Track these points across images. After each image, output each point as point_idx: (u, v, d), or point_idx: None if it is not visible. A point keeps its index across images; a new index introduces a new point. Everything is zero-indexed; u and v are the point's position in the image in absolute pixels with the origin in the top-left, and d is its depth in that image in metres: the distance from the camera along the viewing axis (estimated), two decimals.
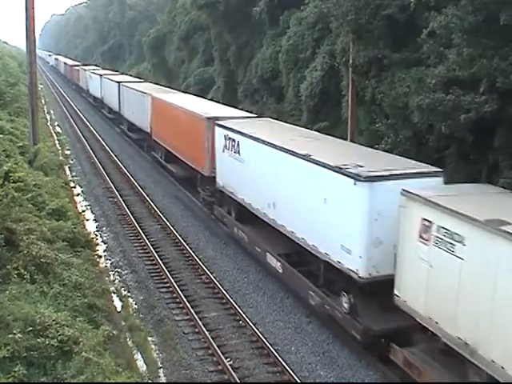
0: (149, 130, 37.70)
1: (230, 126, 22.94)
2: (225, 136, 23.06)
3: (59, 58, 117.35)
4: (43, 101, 63.71)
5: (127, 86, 45.48)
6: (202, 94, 45.16)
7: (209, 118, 25.73)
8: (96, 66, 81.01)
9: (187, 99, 35.70)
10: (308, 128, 27.19)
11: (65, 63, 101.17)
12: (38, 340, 11.77)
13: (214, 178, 24.50)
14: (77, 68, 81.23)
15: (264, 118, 27.33)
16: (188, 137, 28.58)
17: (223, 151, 23.32)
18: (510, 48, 17.41)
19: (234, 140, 22.22)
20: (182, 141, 29.93)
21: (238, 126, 22.77)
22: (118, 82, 48.66)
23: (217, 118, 25.01)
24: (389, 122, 22.86)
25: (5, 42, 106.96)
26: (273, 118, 28.27)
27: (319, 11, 30.30)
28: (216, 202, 25.41)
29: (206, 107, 29.82)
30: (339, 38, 26.57)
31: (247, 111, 32.40)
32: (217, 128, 24.03)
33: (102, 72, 62.91)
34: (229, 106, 34.66)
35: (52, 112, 62.35)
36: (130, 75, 62.96)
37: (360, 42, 23.87)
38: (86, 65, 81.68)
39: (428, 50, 20.44)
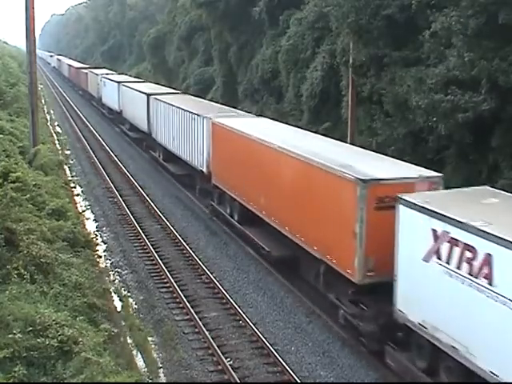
0: (204, 169, 26.77)
1: (453, 217, 12.06)
2: (435, 233, 12.37)
3: (62, 58, 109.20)
4: (43, 101, 63.63)
5: (165, 102, 33.97)
6: (201, 94, 45.19)
7: (365, 181, 14.56)
8: (110, 69, 70.10)
9: (287, 133, 22.46)
10: (309, 128, 27.15)
11: (69, 65, 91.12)
12: (38, 340, 11.78)
13: (372, 287, 14.69)
14: (84, 71, 70.27)
15: (481, 188, 14.99)
16: (303, 202, 17.42)
17: (428, 260, 12.60)
18: (511, 48, 17.47)
19: (469, 248, 11.56)
20: (287, 205, 18.61)
21: (462, 212, 12.24)
22: (148, 95, 38.00)
23: (391, 185, 14.54)
24: (387, 120, 22.89)
25: (5, 42, 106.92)
26: (273, 119, 28.11)
27: (319, 11, 30.36)
28: (390, 340, 14.27)
29: (336, 153, 17.75)
30: (339, 38, 26.62)
31: (247, 111, 32.35)
32: (404, 209, 13.25)
33: (119, 78, 52.21)
34: (228, 106, 34.53)
35: (52, 112, 62.22)
36: (163, 85, 50.10)
37: (360, 41, 23.92)
38: (96, 67, 71.80)
39: (429, 48, 20.47)
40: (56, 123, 54.82)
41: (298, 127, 25.51)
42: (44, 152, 28.56)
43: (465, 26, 17.84)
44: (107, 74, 58.72)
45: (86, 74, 67.53)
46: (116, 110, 49.05)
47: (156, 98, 35.96)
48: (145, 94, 38.84)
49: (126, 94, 44.74)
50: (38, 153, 27.68)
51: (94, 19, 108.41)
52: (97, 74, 59.49)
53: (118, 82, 47.84)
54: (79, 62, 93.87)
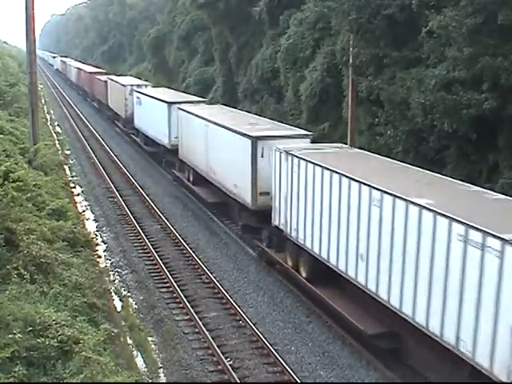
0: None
1: None
2: None
3: (68, 60, 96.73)
4: (43, 101, 63.51)
5: (367, 185, 14.82)
6: (201, 94, 45.16)
7: None
8: (137, 77, 55.04)
9: None
10: (308, 128, 27.09)
11: (78, 69, 75.62)
12: (38, 340, 11.76)
13: None
14: (102, 78, 54.64)
15: None
16: None
17: None
18: (511, 47, 17.48)
19: None
20: None
21: None
22: (255, 138, 21.03)
23: None
24: (389, 118, 22.88)
25: (5, 42, 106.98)
26: (273, 118, 28.00)
27: (320, 11, 30.36)
28: None
29: None
30: (339, 38, 26.60)
31: (247, 111, 32.25)
32: None
33: (166, 95, 35.74)
34: (228, 105, 34.42)
35: (52, 112, 62.04)
36: (246, 111, 33.52)
37: (361, 41, 23.92)
38: (119, 75, 58.33)
39: (428, 48, 20.46)
40: (56, 122, 54.56)
41: (297, 127, 25.40)
42: (44, 150, 28.50)
43: (461, 23, 17.83)
44: (139, 85, 43.31)
45: (106, 82, 51.63)
46: (164, 145, 33.78)
47: (306, 159, 17.63)
48: (250, 137, 21.33)
49: (190, 124, 28.86)
50: (38, 151, 27.62)
51: (93, 19, 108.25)
52: (123, 85, 44.18)
53: (169, 103, 32.68)
54: (91, 65, 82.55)
